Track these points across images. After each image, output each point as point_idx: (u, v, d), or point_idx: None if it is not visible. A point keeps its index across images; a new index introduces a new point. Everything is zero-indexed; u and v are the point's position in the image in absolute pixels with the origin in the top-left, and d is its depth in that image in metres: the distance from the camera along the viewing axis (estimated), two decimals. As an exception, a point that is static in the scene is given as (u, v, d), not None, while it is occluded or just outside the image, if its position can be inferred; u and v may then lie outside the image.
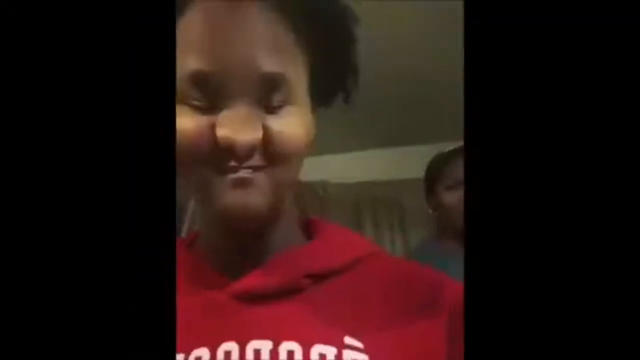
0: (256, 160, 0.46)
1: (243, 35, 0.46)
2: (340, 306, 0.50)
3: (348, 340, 0.47)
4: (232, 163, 0.45)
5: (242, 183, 0.46)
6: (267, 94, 0.46)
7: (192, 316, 0.48)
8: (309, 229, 0.58)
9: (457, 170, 1.51)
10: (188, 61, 0.46)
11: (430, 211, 1.61)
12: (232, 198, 0.46)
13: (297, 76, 0.49)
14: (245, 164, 0.46)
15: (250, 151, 0.45)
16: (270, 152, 0.46)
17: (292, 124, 0.47)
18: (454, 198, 1.50)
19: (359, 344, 0.47)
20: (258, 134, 0.45)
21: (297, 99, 0.49)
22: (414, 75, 2.07)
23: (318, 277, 0.51)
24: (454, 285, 0.54)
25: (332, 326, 0.48)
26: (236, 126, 0.44)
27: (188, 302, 0.49)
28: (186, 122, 0.46)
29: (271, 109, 0.47)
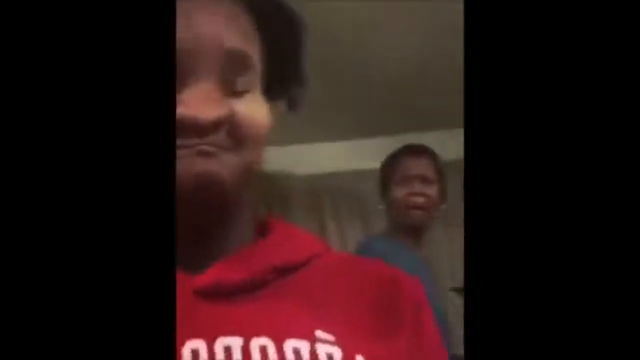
0: (221, 139, 0.46)
1: (208, 13, 0.47)
2: (306, 300, 0.49)
3: (319, 333, 0.46)
4: (194, 140, 0.45)
5: (205, 154, 0.45)
6: (233, 76, 0.47)
7: None
8: (263, 227, 0.57)
9: (406, 166, 1.56)
10: None
11: (380, 206, 1.67)
12: (196, 167, 0.45)
13: (257, 65, 0.50)
14: (208, 141, 0.45)
15: (213, 128, 0.45)
16: (236, 133, 0.46)
17: (255, 109, 0.48)
18: (401, 193, 1.54)
19: (330, 337, 0.46)
20: (222, 112, 0.45)
21: (258, 88, 0.50)
22: (382, 67, 2.08)
23: (281, 272, 0.50)
24: (409, 279, 0.55)
25: (301, 320, 0.47)
26: (200, 103, 0.44)
27: None
28: None
29: (237, 94, 0.47)
